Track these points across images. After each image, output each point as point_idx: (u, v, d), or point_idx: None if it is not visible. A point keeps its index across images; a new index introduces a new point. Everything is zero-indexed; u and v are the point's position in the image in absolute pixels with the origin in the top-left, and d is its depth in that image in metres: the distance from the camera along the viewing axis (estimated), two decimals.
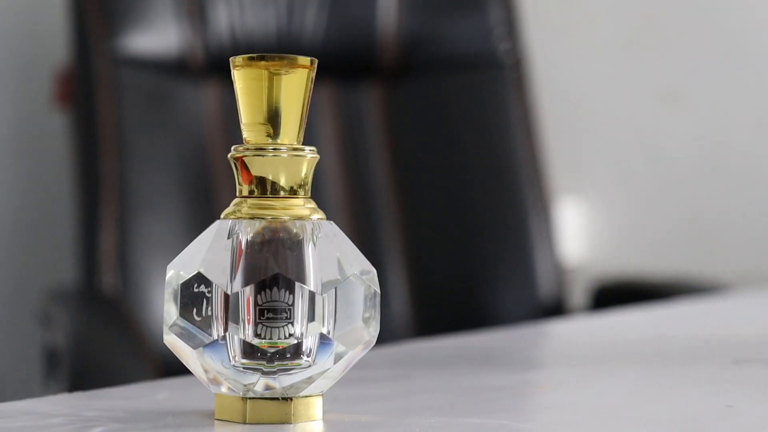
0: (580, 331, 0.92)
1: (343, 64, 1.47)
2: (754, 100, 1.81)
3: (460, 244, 1.49)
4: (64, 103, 1.51)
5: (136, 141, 1.37)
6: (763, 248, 1.78)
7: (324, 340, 0.43)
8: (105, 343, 1.19)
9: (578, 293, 1.68)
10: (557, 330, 0.98)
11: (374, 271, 0.45)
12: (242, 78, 0.44)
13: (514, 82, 1.54)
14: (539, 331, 0.96)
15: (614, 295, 1.51)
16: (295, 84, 0.44)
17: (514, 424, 0.46)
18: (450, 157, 1.51)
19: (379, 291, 0.45)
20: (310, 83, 0.44)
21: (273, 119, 0.44)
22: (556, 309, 1.48)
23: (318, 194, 1.46)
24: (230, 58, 0.44)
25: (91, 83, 1.37)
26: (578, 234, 1.89)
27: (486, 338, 0.82)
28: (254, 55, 0.44)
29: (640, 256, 1.87)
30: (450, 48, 1.53)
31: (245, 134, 0.44)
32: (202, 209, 1.38)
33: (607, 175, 1.90)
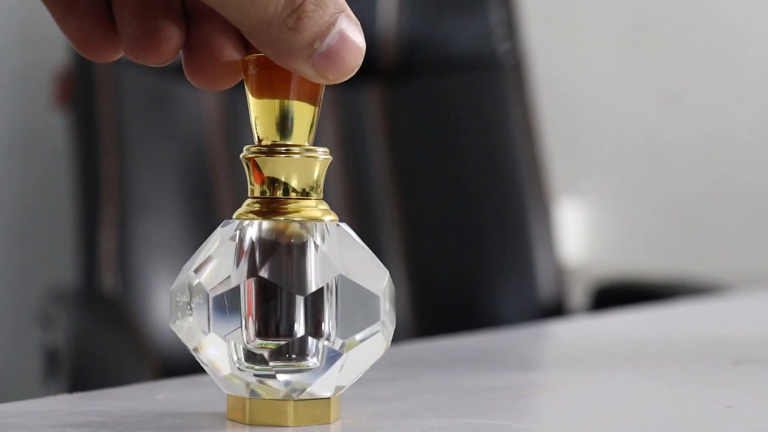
0: (580, 331, 0.92)
1: None
2: (754, 100, 1.81)
3: (460, 245, 1.49)
4: (65, 103, 1.51)
5: (136, 141, 1.37)
6: (763, 248, 1.78)
7: (333, 342, 0.43)
8: (105, 344, 1.19)
9: (578, 293, 1.68)
10: (557, 330, 0.98)
11: (387, 272, 0.45)
12: (254, 77, 0.43)
13: (514, 83, 1.54)
14: (539, 331, 0.96)
15: (614, 295, 1.51)
16: (307, 83, 0.43)
17: (515, 424, 0.46)
18: (450, 158, 1.51)
19: (394, 289, 0.45)
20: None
21: (285, 119, 0.44)
22: (556, 309, 1.48)
23: None
24: (242, 58, 0.44)
25: (92, 84, 1.37)
26: (578, 234, 1.89)
27: (486, 339, 0.82)
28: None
29: (640, 256, 1.87)
30: (450, 48, 1.53)
31: (257, 134, 0.44)
32: (202, 209, 1.38)
33: (607, 175, 1.90)
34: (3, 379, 1.64)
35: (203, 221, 1.35)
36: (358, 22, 0.41)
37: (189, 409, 0.48)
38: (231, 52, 0.43)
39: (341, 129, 1.49)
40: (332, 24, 0.40)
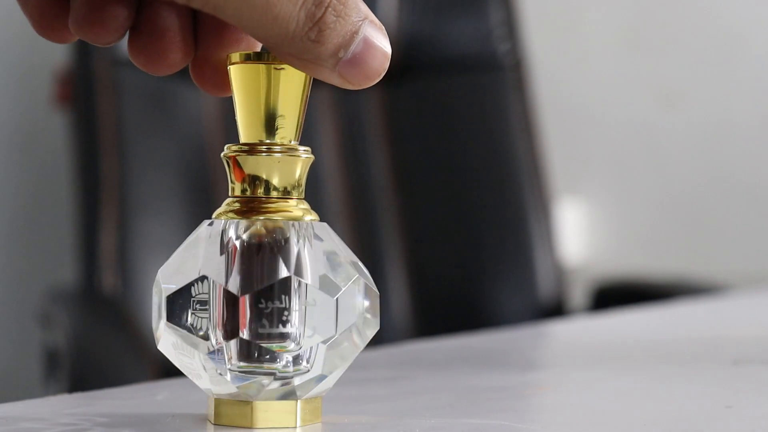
0: (580, 331, 0.92)
1: None
2: (753, 100, 1.81)
3: (460, 245, 1.49)
4: (65, 103, 1.51)
5: (136, 141, 1.37)
6: (763, 248, 1.78)
7: (319, 343, 0.43)
8: (105, 344, 1.19)
9: (578, 293, 1.68)
10: (557, 330, 0.98)
11: (366, 272, 0.44)
12: (238, 75, 0.43)
13: (514, 83, 1.54)
14: (539, 331, 0.96)
15: (614, 295, 1.51)
16: (292, 82, 0.43)
17: (515, 424, 0.46)
18: (450, 158, 1.51)
19: (377, 291, 0.44)
20: (308, 82, 0.44)
21: (269, 118, 0.43)
22: (556, 309, 1.48)
23: (317, 194, 1.46)
24: (227, 55, 0.44)
25: (91, 84, 1.37)
26: (578, 234, 1.89)
27: (486, 339, 0.82)
28: (251, 52, 0.43)
29: (640, 256, 1.86)
30: (450, 49, 1.53)
31: (240, 133, 0.44)
32: (202, 210, 1.37)
33: (607, 175, 1.90)
34: (3, 379, 1.64)
35: (203, 221, 1.35)
36: (383, 27, 0.42)
37: (189, 409, 0.48)
38: (176, 36, 0.43)
39: (341, 129, 1.49)
40: (356, 32, 0.41)
